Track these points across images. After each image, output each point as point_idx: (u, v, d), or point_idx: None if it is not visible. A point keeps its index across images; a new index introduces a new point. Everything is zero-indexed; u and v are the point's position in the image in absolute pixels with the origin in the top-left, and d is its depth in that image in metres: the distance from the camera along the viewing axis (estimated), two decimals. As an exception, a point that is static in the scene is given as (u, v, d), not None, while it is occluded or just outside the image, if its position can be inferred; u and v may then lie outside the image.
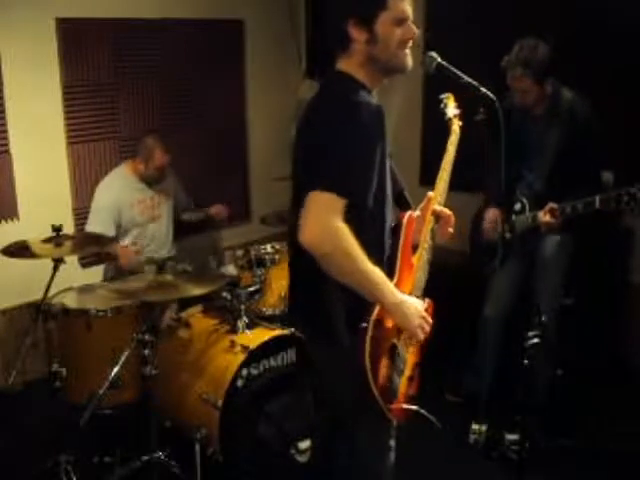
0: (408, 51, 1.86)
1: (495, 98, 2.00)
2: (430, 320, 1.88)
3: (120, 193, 3.56)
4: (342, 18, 1.82)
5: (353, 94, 1.80)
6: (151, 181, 3.66)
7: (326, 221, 1.68)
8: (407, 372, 1.96)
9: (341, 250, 1.69)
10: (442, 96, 2.25)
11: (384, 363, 1.84)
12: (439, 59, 1.95)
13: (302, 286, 1.96)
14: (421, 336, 1.87)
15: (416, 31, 1.85)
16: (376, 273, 1.75)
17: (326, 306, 1.82)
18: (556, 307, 3.13)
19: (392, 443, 2.06)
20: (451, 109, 2.21)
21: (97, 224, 3.50)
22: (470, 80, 1.99)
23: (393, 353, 1.86)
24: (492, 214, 3.13)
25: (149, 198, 3.67)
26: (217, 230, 4.50)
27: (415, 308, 1.83)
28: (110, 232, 3.48)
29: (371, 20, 1.79)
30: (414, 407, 1.97)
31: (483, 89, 2.00)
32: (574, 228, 2.95)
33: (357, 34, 1.81)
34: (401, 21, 1.81)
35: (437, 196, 2.04)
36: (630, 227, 3.71)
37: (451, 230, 2.06)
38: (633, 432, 3.18)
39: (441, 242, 2.06)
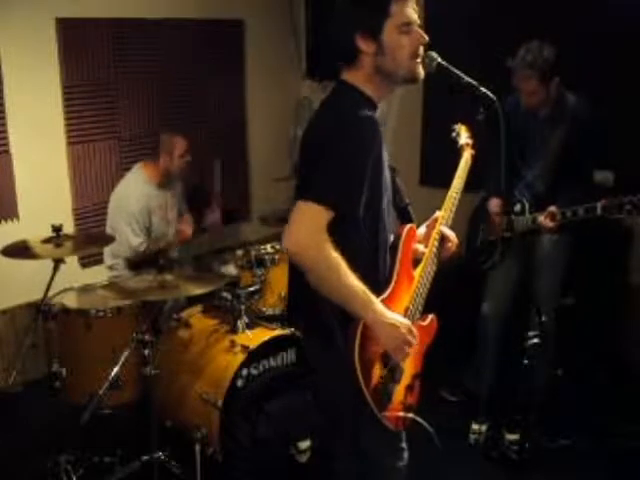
0: (419, 60, 1.84)
1: (495, 98, 2.00)
2: (414, 342, 1.82)
3: (148, 200, 3.51)
4: (349, 32, 1.79)
5: (351, 108, 1.78)
6: (177, 176, 3.61)
7: (309, 232, 1.69)
8: (405, 381, 1.96)
9: (322, 262, 1.70)
10: (455, 126, 2.37)
11: (377, 367, 1.83)
12: (439, 59, 1.95)
13: (298, 286, 1.94)
14: (399, 358, 1.85)
15: (425, 37, 1.83)
16: (358, 288, 1.73)
17: (319, 305, 1.80)
18: (555, 306, 3.13)
19: (403, 445, 2.05)
20: (463, 138, 2.32)
21: (137, 235, 3.46)
22: (470, 80, 1.99)
23: (387, 359, 1.86)
24: (495, 204, 3.11)
25: (165, 202, 3.65)
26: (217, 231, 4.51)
27: (397, 331, 1.78)
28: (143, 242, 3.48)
29: (378, 30, 1.77)
30: (410, 415, 1.96)
31: (483, 89, 2.00)
32: (573, 228, 2.95)
33: (365, 46, 1.79)
34: (406, 26, 1.78)
35: (444, 216, 2.07)
36: (630, 227, 3.71)
37: (452, 249, 2.08)
38: (633, 431, 3.17)
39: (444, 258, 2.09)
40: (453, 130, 2.38)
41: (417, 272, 1.98)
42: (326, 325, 1.82)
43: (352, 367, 1.77)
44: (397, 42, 1.78)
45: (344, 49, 1.83)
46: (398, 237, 1.96)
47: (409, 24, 1.79)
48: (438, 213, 2.09)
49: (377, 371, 1.83)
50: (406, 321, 1.83)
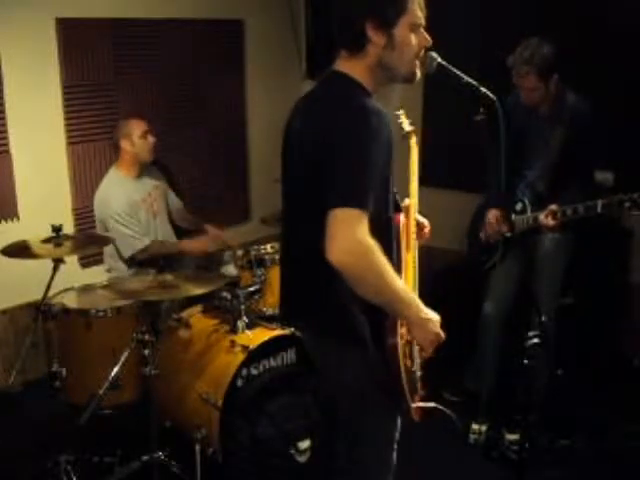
0: (419, 61, 1.84)
1: (495, 98, 2.00)
2: (443, 336, 1.84)
3: (129, 195, 3.48)
4: (360, 17, 1.74)
5: (359, 101, 1.74)
6: (147, 159, 3.55)
7: (356, 239, 1.63)
8: (420, 371, 1.98)
9: (374, 270, 1.65)
10: (398, 112, 2.28)
11: (407, 360, 1.84)
12: (439, 59, 1.95)
13: (308, 285, 1.92)
14: (429, 351, 1.86)
15: (430, 40, 1.83)
16: (405, 291, 1.75)
17: (341, 304, 1.78)
18: (555, 306, 3.14)
19: (395, 445, 2.06)
20: (406, 125, 2.26)
21: (135, 231, 3.42)
22: (470, 80, 1.99)
23: (412, 353, 1.88)
24: (492, 216, 3.13)
25: (147, 195, 3.62)
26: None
27: (434, 324, 1.81)
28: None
29: (392, 24, 1.74)
30: (431, 404, 1.98)
31: (483, 89, 2.00)
32: (573, 227, 2.95)
33: (376, 37, 1.75)
34: (416, 27, 1.78)
35: (414, 203, 2.07)
36: (629, 227, 3.71)
37: (428, 236, 2.17)
38: (633, 431, 3.18)
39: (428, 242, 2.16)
40: (397, 117, 2.28)
41: (409, 260, 1.98)
42: (350, 324, 1.80)
43: (396, 364, 1.77)
44: (407, 40, 1.78)
45: (352, 34, 1.77)
46: (397, 226, 1.94)
47: (419, 25, 1.80)
48: (407, 201, 2.06)
49: (407, 364, 1.85)
50: (437, 315, 1.84)
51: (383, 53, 1.77)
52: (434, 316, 1.82)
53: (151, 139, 3.53)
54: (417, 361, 1.93)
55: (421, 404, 1.95)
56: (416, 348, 1.92)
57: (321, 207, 1.69)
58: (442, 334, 1.84)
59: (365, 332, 1.81)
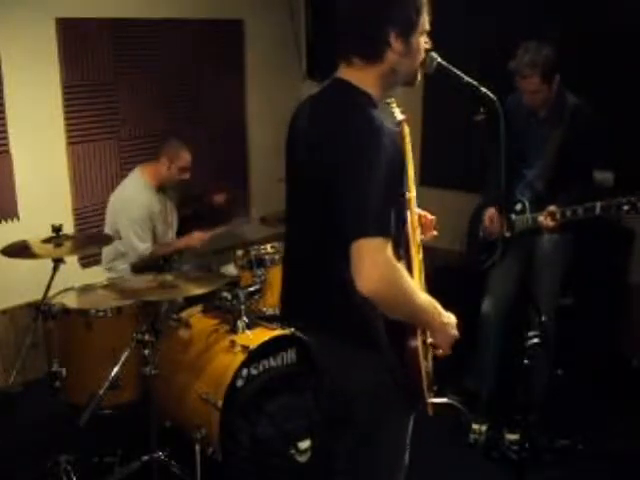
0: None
1: (495, 98, 2.00)
2: (457, 335, 1.86)
3: (150, 206, 3.50)
4: (386, 26, 1.72)
5: (370, 113, 1.71)
6: (170, 185, 3.60)
7: (384, 267, 1.62)
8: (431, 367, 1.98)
9: (403, 292, 1.66)
10: (388, 101, 2.25)
11: (424, 365, 1.85)
12: (439, 59, 1.95)
13: (311, 291, 1.91)
14: (446, 351, 1.87)
15: (429, 42, 1.84)
16: (429, 302, 1.76)
17: (352, 309, 1.76)
18: (555, 306, 3.14)
19: (407, 446, 2.06)
20: (398, 114, 2.22)
21: (143, 240, 3.45)
22: (470, 80, 1.99)
23: (427, 353, 1.87)
24: (489, 215, 3.14)
25: (164, 207, 3.65)
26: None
27: (452, 327, 1.82)
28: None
29: (412, 32, 1.74)
30: (444, 399, 1.99)
31: (483, 89, 2.00)
32: (573, 228, 2.96)
33: (397, 45, 1.74)
34: (424, 33, 1.80)
35: (413, 196, 2.03)
36: (630, 228, 3.71)
37: (435, 232, 2.12)
38: (633, 432, 3.18)
39: (429, 243, 2.10)
40: (389, 106, 2.19)
41: (414, 254, 1.94)
42: (363, 326, 1.79)
43: (417, 367, 1.78)
44: (419, 46, 1.79)
45: (374, 42, 1.74)
46: (406, 231, 1.93)
47: (427, 30, 1.81)
48: (407, 194, 2.01)
49: (424, 363, 1.85)
50: (453, 316, 1.85)
51: (400, 60, 1.77)
52: (452, 319, 1.84)
53: (186, 176, 3.57)
54: (430, 359, 1.94)
55: (435, 400, 1.95)
56: (430, 347, 1.92)
57: (323, 209, 1.68)
58: (457, 333, 1.85)
59: (381, 335, 1.79)
